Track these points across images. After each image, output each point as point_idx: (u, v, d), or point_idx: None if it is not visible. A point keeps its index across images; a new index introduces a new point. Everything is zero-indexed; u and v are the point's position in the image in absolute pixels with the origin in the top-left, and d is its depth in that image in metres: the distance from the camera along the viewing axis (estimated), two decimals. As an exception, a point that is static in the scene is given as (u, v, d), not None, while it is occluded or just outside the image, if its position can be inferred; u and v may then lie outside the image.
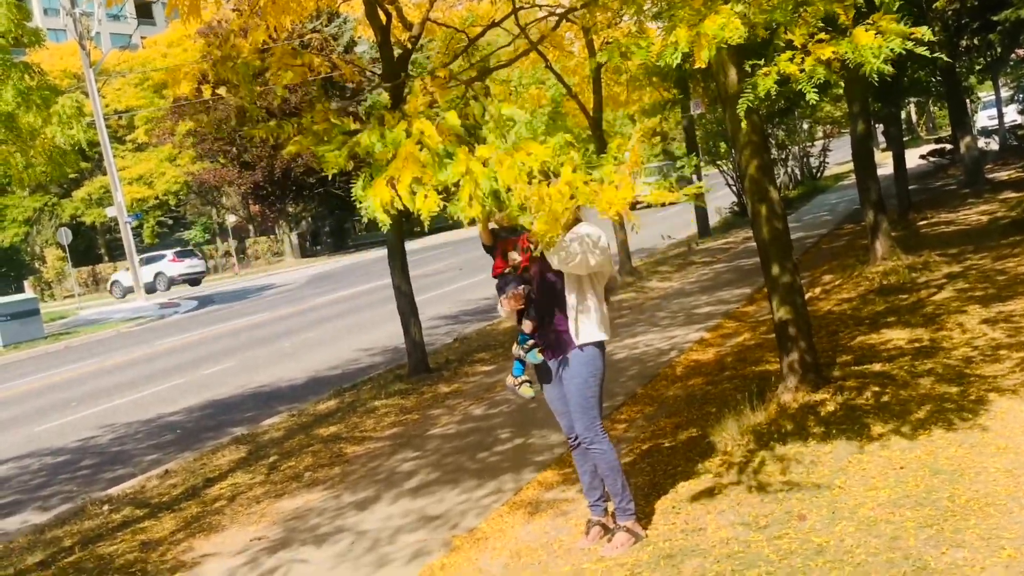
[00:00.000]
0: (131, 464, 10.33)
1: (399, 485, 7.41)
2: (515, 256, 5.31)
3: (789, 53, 5.51)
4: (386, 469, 7.97)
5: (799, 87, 5.51)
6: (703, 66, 5.39)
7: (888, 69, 5.28)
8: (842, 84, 13.69)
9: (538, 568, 5.27)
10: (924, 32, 5.30)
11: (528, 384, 5.43)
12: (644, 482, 6.29)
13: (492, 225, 5.33)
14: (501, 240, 5.39)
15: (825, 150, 35.21)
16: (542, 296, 5.28)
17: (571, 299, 5.17)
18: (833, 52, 5.37)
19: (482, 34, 12.47)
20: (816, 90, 5.54)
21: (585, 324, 5.17)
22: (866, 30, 5.34)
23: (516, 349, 5.34)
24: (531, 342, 5.29)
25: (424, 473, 7.62)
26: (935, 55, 5.49)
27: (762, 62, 5.79)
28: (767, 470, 5.97)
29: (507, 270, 5.33)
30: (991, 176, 23.19)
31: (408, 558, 5.81)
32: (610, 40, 16.25)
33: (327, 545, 6.35)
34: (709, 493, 5.80)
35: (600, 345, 5.26)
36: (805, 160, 34.31)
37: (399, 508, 6.83)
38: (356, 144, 5.20)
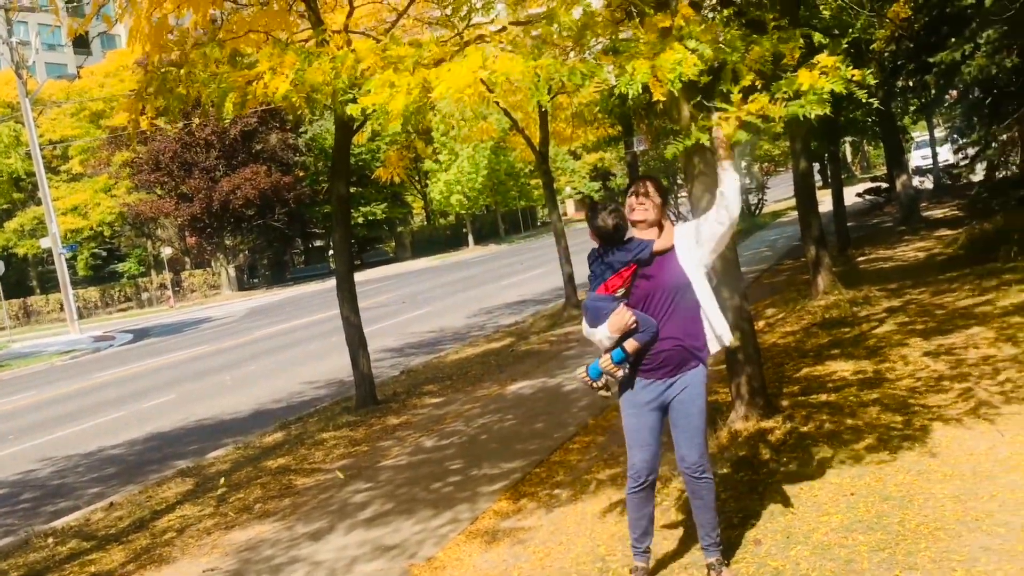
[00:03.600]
0: (73, 497, 10.15)
1: (353, 516, 7.38)
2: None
3: (724, 108, 5.55)
4: (338, 500, 7.93)
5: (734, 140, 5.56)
6: (661, 99, 5.49)
7: (826, 110, 5.40)
8: (780, 124, 14.00)
9: (498, 595, 5.29)
10: (867, 75, 5.46)
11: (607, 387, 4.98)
12: (600, 509, 6.34)
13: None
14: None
15: (763, 187, 35.81)
16: (662, 311, 4.82)
17: (705, 299, 4.85)
18: (759, 108, 5.42)
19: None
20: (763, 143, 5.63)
21: (720, 327, 4.89)
22: (810, 71, 5.49)
23: (606, 364, 4.83)
24: (627, 365, 4.86)
25: (378, 504, 7.59)
26: (870, 100, 5.66)
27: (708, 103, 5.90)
28: (721, 496, 6.04)
29: (619, 292, 4.84)
30: (926, 214, 23.78)
31: (366, 587, 5.79)
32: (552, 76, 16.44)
33: (283, 575, 6.30)
34: (664, 518, 5.87)
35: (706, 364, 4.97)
36: (744, 197, 34.84)
37: (354, 538, 6.80)
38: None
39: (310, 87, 5.55)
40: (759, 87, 5.56)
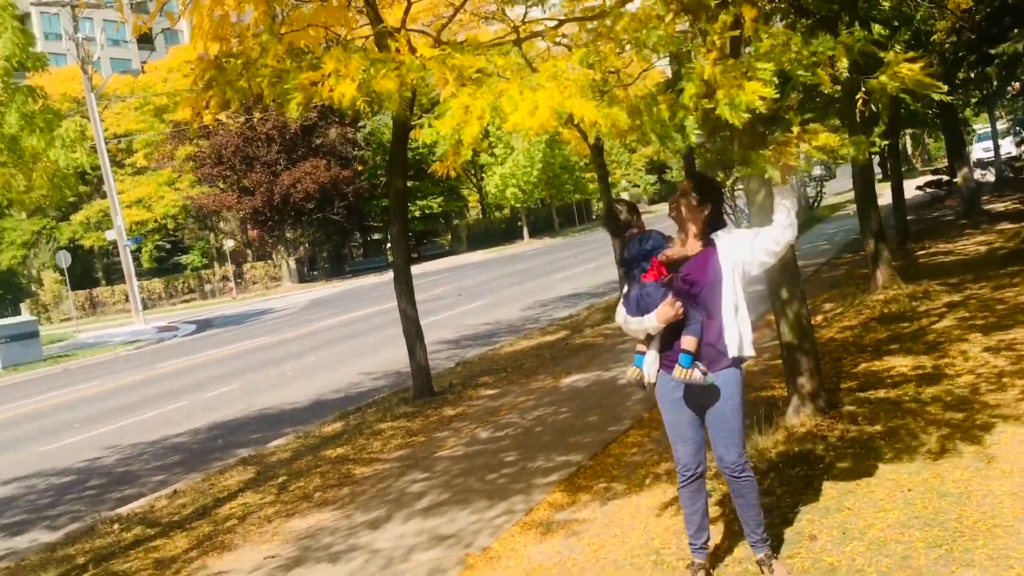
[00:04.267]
0: (138, 484, 10.40)
1: (410, 505, 7.49)
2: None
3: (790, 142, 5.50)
4: (395, 490, 8.05)
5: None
6: (739, 124, 5.43)
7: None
8: (838, 118, 13.92)
9: (553, 586, 5.36)
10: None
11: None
12: (655, 503, 6.38)
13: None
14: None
15: (822, 180, 35.42)
16: (693, 307, 4.84)
17: (730, 306, 4.78)
18: (823, 143, 5.37)
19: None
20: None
21: (746, 336, 4.81)
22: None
23: (680, 374, 4.75)
24: (698, 363, 4.77)
25: (434, 494, 7.70)
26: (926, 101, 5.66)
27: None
28: (776, 492, 6.06)
29: (664, 279, 4.86)
30: (988, 207, 23.42)
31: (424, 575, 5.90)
32: (612, 70, 16.46)
33: (341, 563, 6.42)
34: (720, 514, 5.89)
35: (742, 361, 4.89)
36: (802, 190, 34.55)
37: (411, 527, 6.91)
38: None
39: (375, 93, 5.63)
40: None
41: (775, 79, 5.23)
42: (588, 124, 5.25)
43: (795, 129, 5.33)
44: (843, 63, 5.58)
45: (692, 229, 4.89)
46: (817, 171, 5.67)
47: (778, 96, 5.47)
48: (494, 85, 5.25)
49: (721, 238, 4.88)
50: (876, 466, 6.21)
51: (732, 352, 4.78)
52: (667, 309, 4.77)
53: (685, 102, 5.33)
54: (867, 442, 6.70)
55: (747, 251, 4.85)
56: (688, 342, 4.78)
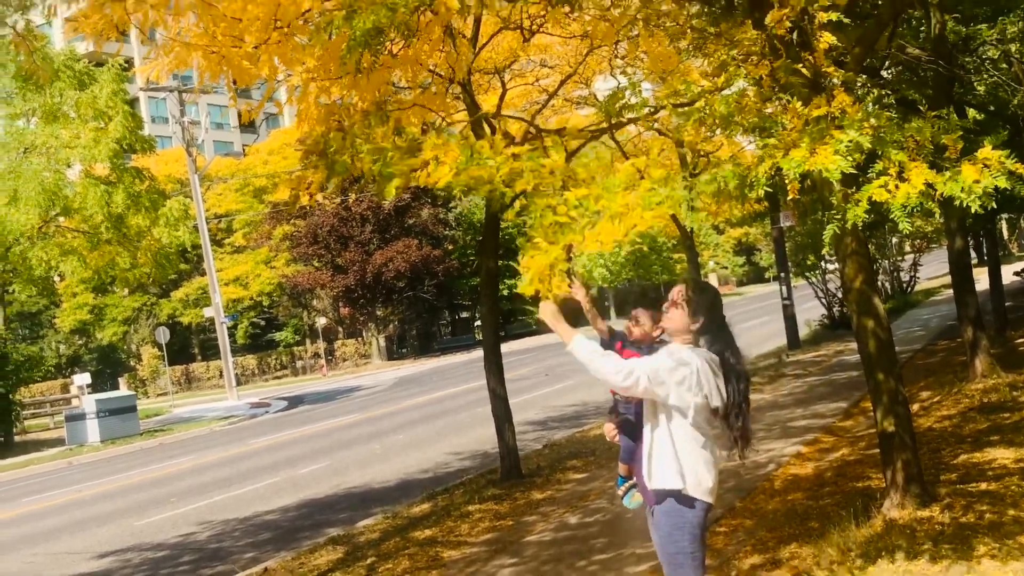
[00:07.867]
0: (229, 561, 10.54)
1: (498, 590, 7.47)
2: None
3: (882, 180, 5.59)
4: (484, 574, 8.03)
5: (892, 215, 5.54)
6: (795, 196, 5.57)
7: (990, 204, 5.36)
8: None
9: (644, 678, 5.27)
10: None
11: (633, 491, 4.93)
12: (748, 595, 6.26)
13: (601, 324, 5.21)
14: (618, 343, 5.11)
15: (915, 265, 34.83)
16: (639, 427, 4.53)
17: (648, 432, 4.40)
18: (926, 181, 5.44)
19: (580, 147, 12.85)
20: (908, 220, 5.59)
21: (657, 467, 4.30)
22: (972, 164, 5.46)
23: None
24: (627, 485, 4.82)
25: (523, 579, 7.67)
26: None
27: (853, 189, 5.95)
28: (874, 587, 5.92)
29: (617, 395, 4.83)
30: (1091, 293, 22.75)
31: (512, 663, 5.86)
32: (703, 153, 16.60)
33: (430, 647, 6.42)
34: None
35: (678, 496, 4.25)
36: (895, 275, 33.98)
37: (500, 613, 6.89)
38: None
39: (471, 179, 5.86)
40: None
41: (852, 147, 5.36)
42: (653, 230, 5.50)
43: (892, 171, 5.41)
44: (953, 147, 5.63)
45: (674, 339, 4.55)
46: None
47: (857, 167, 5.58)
48: (567, 233, 5.50)
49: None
50: (978, 562, 6.03)
51: (649, 483, 4.35)
52: (607, 426, 4.92)
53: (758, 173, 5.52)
54: (969, 537, 6.50)
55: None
56: (620, 466, 5.02)
